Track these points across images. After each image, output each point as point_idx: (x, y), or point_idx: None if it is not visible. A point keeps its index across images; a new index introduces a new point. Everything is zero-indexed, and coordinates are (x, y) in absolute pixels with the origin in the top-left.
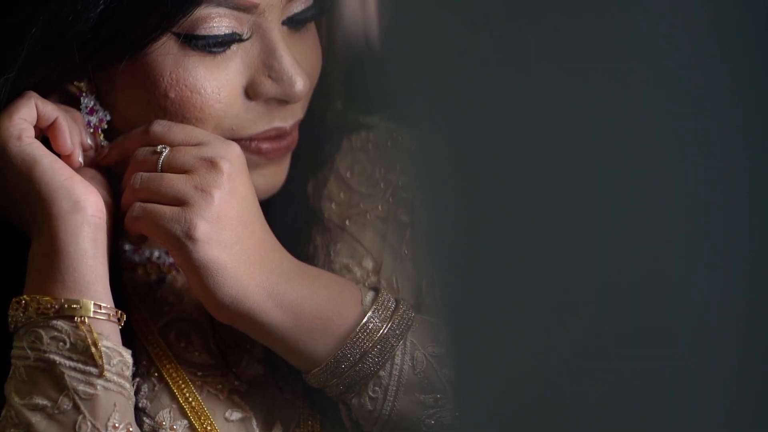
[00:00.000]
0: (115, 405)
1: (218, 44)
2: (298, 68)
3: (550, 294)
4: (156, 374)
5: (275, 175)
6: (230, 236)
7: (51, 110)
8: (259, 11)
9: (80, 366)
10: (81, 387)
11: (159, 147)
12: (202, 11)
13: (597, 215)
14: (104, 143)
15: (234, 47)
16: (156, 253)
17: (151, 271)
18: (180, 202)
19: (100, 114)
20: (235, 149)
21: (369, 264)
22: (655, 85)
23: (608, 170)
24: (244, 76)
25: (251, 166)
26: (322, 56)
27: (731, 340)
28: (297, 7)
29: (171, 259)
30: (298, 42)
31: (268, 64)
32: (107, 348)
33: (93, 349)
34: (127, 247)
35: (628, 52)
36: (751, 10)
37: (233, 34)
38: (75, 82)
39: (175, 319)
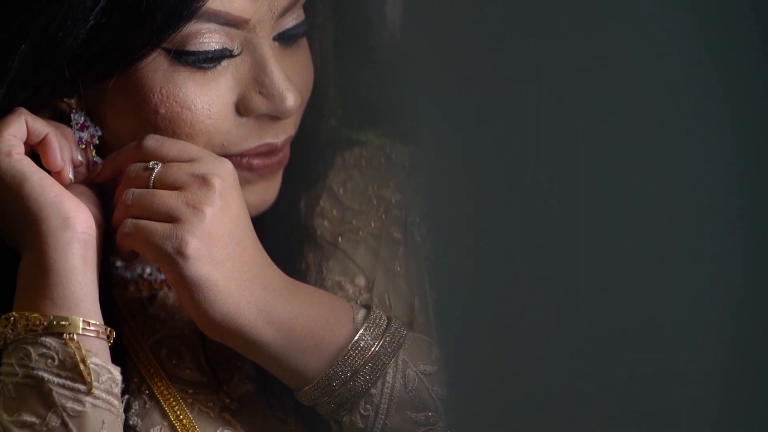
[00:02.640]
0: (103, 422)
1: (208, 60)
2: (289, 84)
3: (542, 310)
4: (147, 391)
5: (267, 192)
6: (222, 253)
7: (41, 126)
8: (249, 27)
9: (68, 383)
10: (69, 404)
11: (151, 163)
12: (192, 27)
13: (592, 230)
14: (96, 159)
15: (224, 63)
16: (148, 270)
17: (143, 287)
18: (172, 218)
19: (91, 130)
20: (228, 166)
21: (361, 281)
22: (651, 90)
23: (602, 185)
24: (235, 92)
25: (242, 182)
26: (314, 72)
27: (724, 340)
28: (288, 23)
29: (163, 276)
30: (290, 58)
31: (258, 79)
32: (96, 365)
33: (81, 366)
34: (118, 263)
35: (621, 59)
36: (738, 13)
37: (224, 49)
38: (65, 99)
39: (167, 336)
